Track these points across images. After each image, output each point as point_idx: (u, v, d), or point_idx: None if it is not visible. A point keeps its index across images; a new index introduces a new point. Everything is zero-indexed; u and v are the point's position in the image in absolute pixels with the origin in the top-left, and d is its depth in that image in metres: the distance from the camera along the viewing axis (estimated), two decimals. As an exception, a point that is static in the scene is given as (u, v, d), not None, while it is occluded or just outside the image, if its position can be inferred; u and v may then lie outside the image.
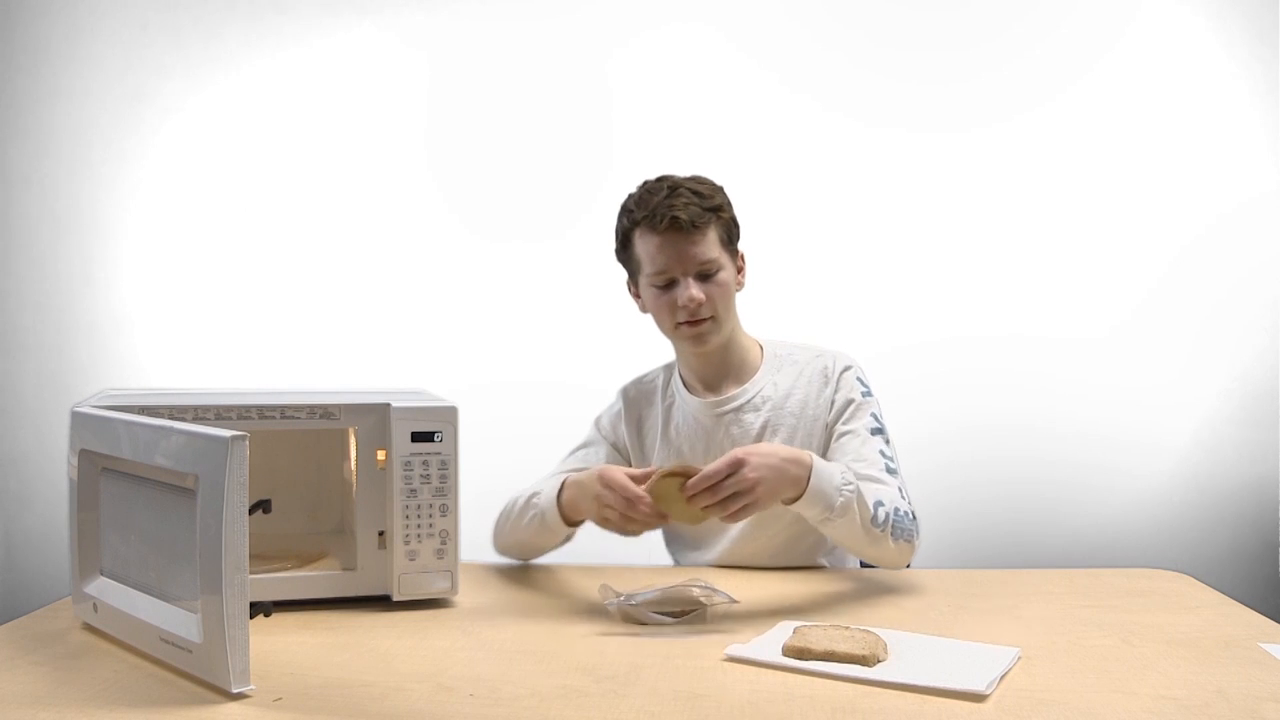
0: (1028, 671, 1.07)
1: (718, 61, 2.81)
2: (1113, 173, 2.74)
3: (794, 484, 1.31)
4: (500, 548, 1.61)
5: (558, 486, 1.47)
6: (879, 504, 1.38)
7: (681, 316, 1.51)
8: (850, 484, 1.35)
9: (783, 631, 1.20)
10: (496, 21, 2.86)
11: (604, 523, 1.37)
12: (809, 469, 1.32)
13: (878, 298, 2.76)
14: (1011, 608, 1.35)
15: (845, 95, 2.78)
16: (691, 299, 1.49)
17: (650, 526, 1.34)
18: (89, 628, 1.23)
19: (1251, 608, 1.33)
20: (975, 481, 2.72)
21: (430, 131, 2.88)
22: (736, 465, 1.27)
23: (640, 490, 1.31)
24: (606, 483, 1.34)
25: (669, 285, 1.51)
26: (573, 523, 1.48)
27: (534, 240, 2.85)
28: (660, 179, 1.55)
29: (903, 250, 2.77)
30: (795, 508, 1.34)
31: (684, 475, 1.30)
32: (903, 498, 1.44)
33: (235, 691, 0.99)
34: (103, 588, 1.20)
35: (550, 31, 2.84)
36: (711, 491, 1.27)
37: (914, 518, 1.43)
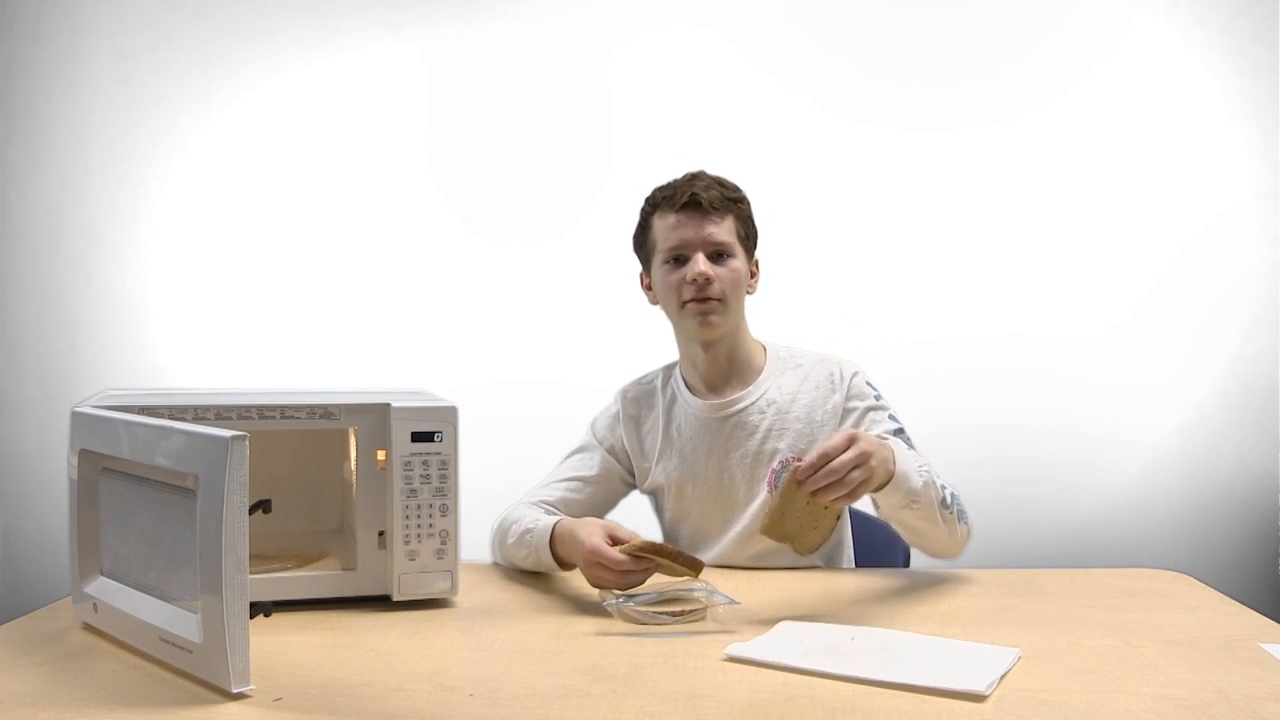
0: (1028, 671, 1.07)
1: (718, 62, 2.81)
2: (1112, 173, 2.74)
3: (885, 464, 1.27)
4: (498, 561, 1.60)
5: (549, 532, 1.44)
6: (944, 488, 1.38)
7: (688, 293, 1.51)
8: (925, 464, 1.34)
9: (783, 631, 1.20)
10: (497, 22, 2.86)
11: (599, 585, 1.36)
12: (891, 449, 1.30)
13: (877, 298, 2.76)
14: (1011, 608, 1.35)
15: (845, 96, 2.78)
16: (700, 273, 1.49)
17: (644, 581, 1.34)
18: (89, 628, 1.22)
19: (1251, 608, 1.33)
20: (974, 481, 2.70)
21: (431, 132, 2.88)
22: (850, 440, 1.22)
23: (626, 560, 1.30)
24: (595, 561, 1.32)
25: (680, 262, 1.52)
26: (568, 566, 1.47)
27: (534, 241, 2.85)
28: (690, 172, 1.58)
29: (902, 250, 2.77)
30: (880, 495, 1.31)
31: (660, 554, 1.31)
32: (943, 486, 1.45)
33: (235, 691, 0.99)
34: (103, 588, 1.20)
35: (550, 32, 2.85)
36: (839, 484, 1.20)
37: (959, 496, 1.43)
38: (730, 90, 2.80)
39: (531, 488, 1.63)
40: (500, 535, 1.56)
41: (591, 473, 1.64)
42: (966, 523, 1.44)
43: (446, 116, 2.88)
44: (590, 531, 1.35)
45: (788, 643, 1.16)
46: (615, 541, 1.33)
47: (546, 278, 2.84)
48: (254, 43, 2.88)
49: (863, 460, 1.22)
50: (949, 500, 1.39)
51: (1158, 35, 2.74)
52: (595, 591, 1.34)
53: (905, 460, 1.32)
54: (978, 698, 0.98)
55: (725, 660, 1.11)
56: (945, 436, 2.74)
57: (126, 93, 2.89)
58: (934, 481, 1.36)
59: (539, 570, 1.51)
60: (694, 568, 1.33)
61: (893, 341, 2.67)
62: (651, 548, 1.32)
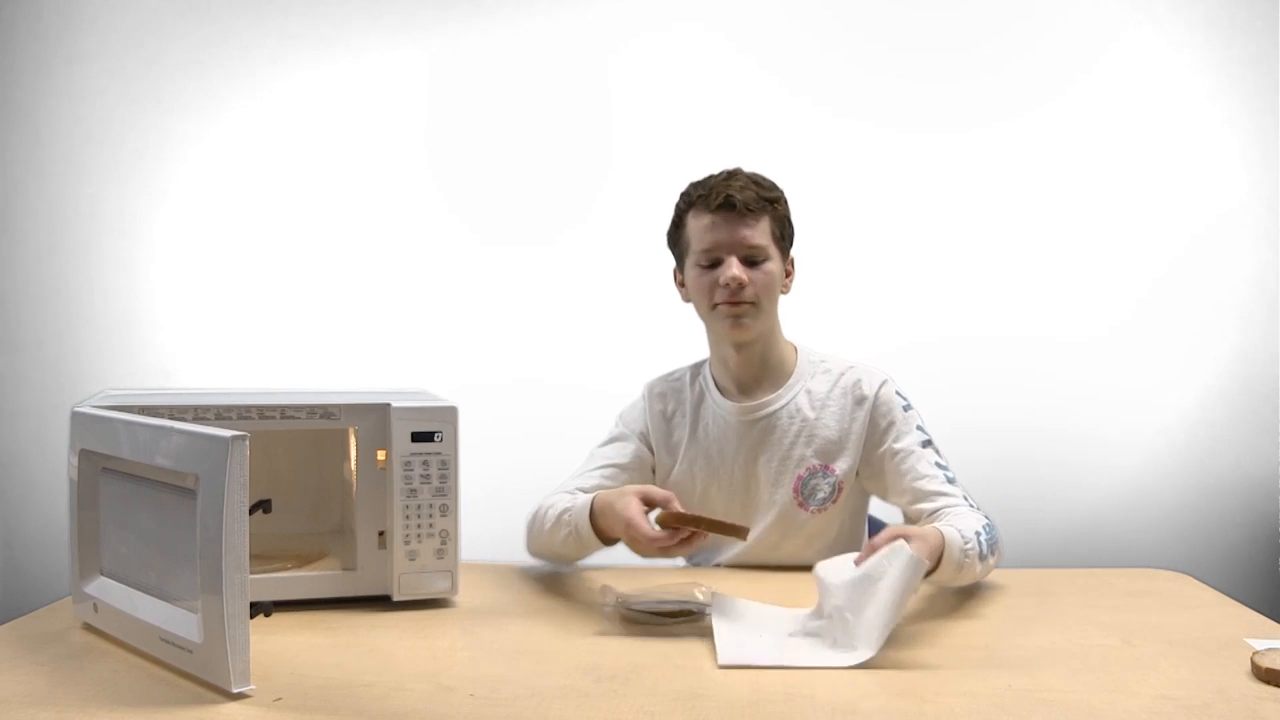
0: (1028, 672, 1.07)
1: (718, 63, 2.81)
2: (1111, 174, 2.74)
3: (932, 556, 1.24)
4: (534, 554, 1.58)
5: (589, 507, 1.43)
6: (978, 534, 1.33)
7: (720, 296, 1.50)
8: (970, 542, 1.30)
9: (752, 621, 1.22)
10: (497, 23, 2.86)
11: (644, 555, 1.35)
12: (942, 543, 1.26)
13: (876, 298, 2.76)
14: (1012, 608, 1.35)
15: (845, 96, 2.78)
16: (733, 278, 1.48)
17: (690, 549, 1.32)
18: (89, 628, 1.22)
19: (1251, 607, 1.33)
20: (975, 481, 2.69)
21: (431, 133, 2.88)
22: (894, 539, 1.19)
23: (663, 535, 1.28)
24: (632, 536, 1.31)
25: (714, 265, 1.51)
26: (610, 541, 1.44)
27: (534, 241, 2.85)
28: (727, 169, 1.56)
29: (901, 251, 2.77)
30: (929, 579, 1.28)
31: (697, 524, 1.28)
32: (972, 507, 1.42)
33: (235, 691, 0.99)
34: (103, 588, 1.20)
35: (550, 33, 2.85)
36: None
37: (991, 523, 1.39)
38: (731, 91, 2.80)
39: (564, 479, 1.61)
40: (536, 525, 1.53)
41: (626, 460, 1.62)
42: (999, 547, 1.40)
43: (447, 118, 2.88)
44: (627, 503, 1.32)
45: (765, 635, 1.19)
46: (652, 505, 1.32)
47: (547, 278, 2.84)
48: (255, 45, 2.88)
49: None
50: (987, 547, 1.34)
51: (1156, 35, 2.74)
52: (595, 591, 1.34)
53: (953, 548, 1.27)
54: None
55: (721, 668, 1.10)
56: (945, 436, 2.73)
57: (127, 93, 2.89)
58: (977, 548, 1.31)
59: (581, 552, 1.48)
60: (739, 533, 1.29)
61: (892, 342, 2.66)
62: (689, 518, 1.28)
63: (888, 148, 2.77)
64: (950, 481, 1.48)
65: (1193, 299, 2.73)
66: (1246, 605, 1.34)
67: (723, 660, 1.11)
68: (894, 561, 1.13)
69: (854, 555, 1.20)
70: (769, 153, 2.73)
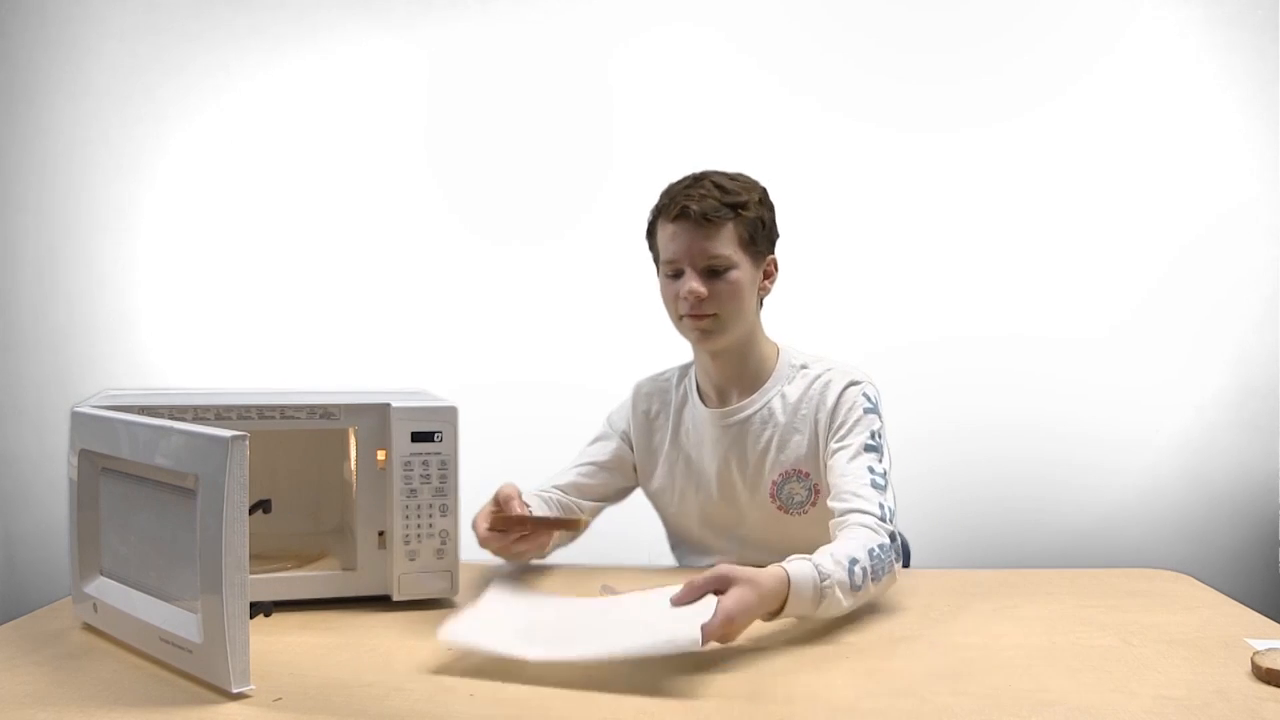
0: (1028, 671, 1.07)
1: (718, 62, 2.81)
2: (1113, 173, 2.74)
3: (770, 605, 1.17)
4: None
5: None
6: (854, 562, 1.24)
7: (682, 309, 1.49)
8: (830, 577, 1.20)
9: (492, 603, 1.23)
10: (497, 22, 2.86)
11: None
12: (786, 586, 1.17)
13: (876, 298, 2.76)
14: (1011, 608, 1.35)
15: (845, 96, 2.78)
16: (691, 291, 1.46)
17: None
18: (89, 628, 1.23)
19: (1251, 607, 1.33)
20: (975, 481, 2.72)
21: (431, 132, 2.88)
22: (722, 584, 1.12)
23: (491, 536, 1.38)
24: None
25: (677, 275, 1.50)
26: None
27: (534, 241, 2.85)
28: (698, 172, 1.52)
29: (902, 250, 2.77)
30: (776, 620, 1.21)
31: (524, 524, 1.38)
32: (882, 519, 1.34)
33: (235, 691, 0.99)
34: (103, 588, 1.20)
35: (550, 32, 2.85)
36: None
37: (891, 542, 1.32)
38: (730, 90, 2.80)
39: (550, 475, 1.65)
40: None
41: (604, 458, 1.65)
42: (889, 572, 1.31)
43: (446, 115, 2.88)
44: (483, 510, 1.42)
45: (501, 621, 1.16)
46: (500, 509, 1.40)
47: (546, 278, 2.84)
48: (249, 40, 2.88)
49: (727, 625, 1.09)
50: (860, 576, 1.23)
51: (1159, 34, 2.74)
52: (595, 591, 1.34)
53: (803, 585, 1.18)
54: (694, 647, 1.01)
55: (444, 646, 1.12)
56: (945, 436, 2.74)
57: (122, 93, 2.89)
58: (842, 581, 1.21)
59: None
60: (570, 526, 1.41)
61: (893, 341, 2.67)
62: (515, 519, 1.37)
63: (889, 147, 2.77)
64: (877, 488, 1.38)
65: (1193, 299, 2.72)
66: (1246, 605, 1.34)
67: (441, 635, 1.13)
68: (682, 620, 1.06)
69: (672, 591, 1.13)
70: (769, 152, 2.74)
